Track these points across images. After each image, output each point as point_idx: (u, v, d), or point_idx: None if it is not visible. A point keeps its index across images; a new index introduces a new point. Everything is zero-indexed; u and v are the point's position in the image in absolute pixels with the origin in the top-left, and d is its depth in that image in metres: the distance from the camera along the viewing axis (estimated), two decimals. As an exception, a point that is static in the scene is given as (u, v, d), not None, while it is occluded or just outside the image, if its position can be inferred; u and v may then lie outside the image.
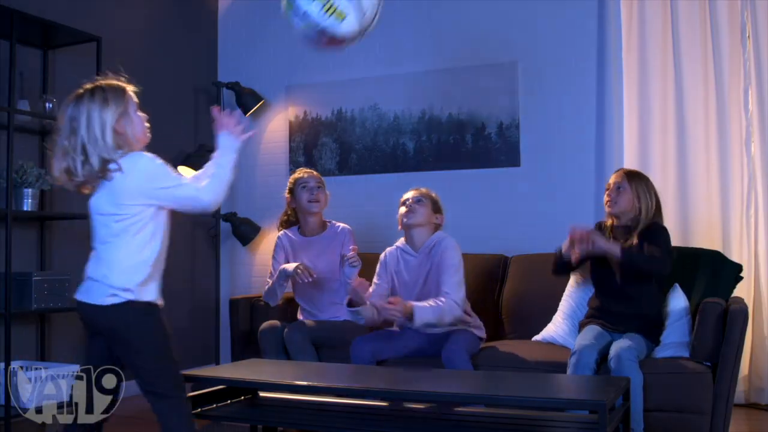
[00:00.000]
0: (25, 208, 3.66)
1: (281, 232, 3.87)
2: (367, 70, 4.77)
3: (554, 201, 4.28)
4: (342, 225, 3.83)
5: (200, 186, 2.30)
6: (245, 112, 4.96)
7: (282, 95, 5.02)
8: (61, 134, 2.26)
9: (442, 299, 3.18)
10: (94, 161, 2.21)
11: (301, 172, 3.84)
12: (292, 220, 3.90)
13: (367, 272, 3.87)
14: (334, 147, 4.84)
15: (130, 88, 2.33)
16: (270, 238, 4.78)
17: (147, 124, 2.36)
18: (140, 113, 2.34)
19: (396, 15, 4.73)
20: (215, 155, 2.38)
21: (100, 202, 2.28)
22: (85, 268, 2.32)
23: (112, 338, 2.27)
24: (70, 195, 4.06)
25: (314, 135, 4.89)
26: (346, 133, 4.81)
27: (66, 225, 4.07)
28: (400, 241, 3.49)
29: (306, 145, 4.92)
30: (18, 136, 3.72)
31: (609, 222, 3.41)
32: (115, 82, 2.32)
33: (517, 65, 4.39)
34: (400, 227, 3.44)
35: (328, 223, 3.85)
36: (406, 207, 3.39)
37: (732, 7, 3.99)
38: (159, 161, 2.28)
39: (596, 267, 3.36)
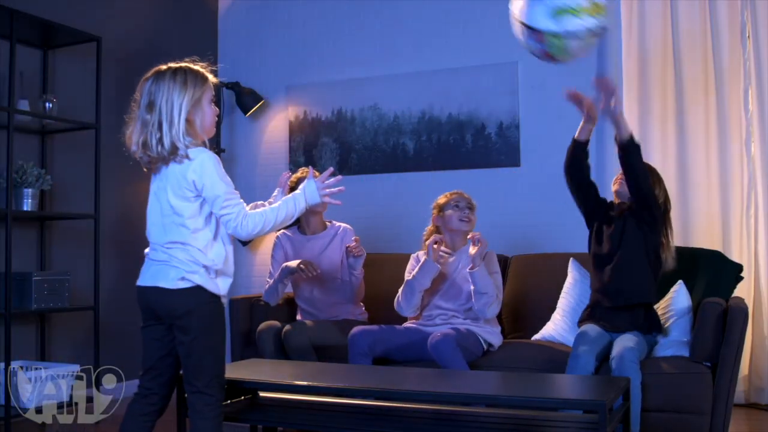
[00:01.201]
0: (25, 208, 3.66)
1: (280, 232, 3.87)
2: (367, 70, 4.77)
3: (554, 201, 4.27)
4: (343, 225, 3.83)
5: (247, 212, 2.32)
6: (245, 112, 4.96)
7: (282, 95, 5.02)
8: (139, 106, 2.30)
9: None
10: (166, 142, 2.24)
11: (303, 172, 3.84)
12: None
13: (368, 272, 3.90)
14: (334, 147, 4.84)
15: (212, 78, 2.36)
16: (270, 238, 4.78)
17: (216, 118, 2.39)
18: (213, 106, 2.37)
19: (396, 15, 4.73)
20: (291, 195, 2.44)
21: (160, 190, 2.31)
22: (147, 253, 2.36)
23: (175, 322, 2.30)
24: (70, 195, 4.09)
25: (314, 135, 4.89)
26: (346, 133, 4.81)
27: (66, 225, 4.08)
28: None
29: (306, 145, 4.92)
30: (18, 136, 3.72)
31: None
32: (198, 68, 2.34)
33: (517, 65, 4.40)
34: (437, 227, 3.54)
35: (329, 223, 3.85)
36: (460, 212, 3.51)
37: (732, 7, 3.99)
38: (220, 165, 2.31)
39: (597, 246, 3.35)
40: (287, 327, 3.49)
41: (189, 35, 4.97)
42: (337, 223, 3.85)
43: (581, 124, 3.31)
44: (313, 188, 2.43)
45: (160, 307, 2.32)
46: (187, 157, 2.26)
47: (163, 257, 2.30)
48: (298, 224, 3.86)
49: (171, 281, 2.28)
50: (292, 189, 3.79)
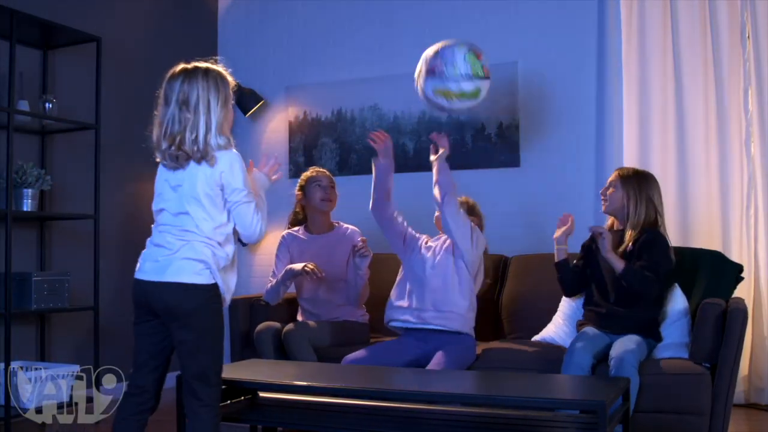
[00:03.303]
0: (24, 208, 3.66)
1: (285, 232, 3.87)
2: (367, 70, 4.77)
3: (554, 201, 4.28)
4: (350, 227, 3.84)
5: (261, 216, 2.38)
6: (245, 113, 4.96)
7: (282, 95, 5.02)
8: (167, 103, 2.31)
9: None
10: (202, 141, 2.27)
11: (314, 171, 3.85)
12: (300, 218, 3.91)
13: (371, 271, 3.91)
14: (334, 147, 4.85)
15: (231, 80, 2.39)
16: (270, 238, 4.78)
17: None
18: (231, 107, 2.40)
19: (396, 15, 4.73)
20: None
21: (186, 188, 2.31)
22: (154, 247, 2.35)
23: (177, 320, 2.29)
24: (70, 195, 4.09)
25: (314, 135, 4.89)
26: (346, 134, 4.81)
27: (66, 225, 4.08)
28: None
29: (306, 145, 4.92)
30: (18, 136, 3.72)
31: (609, 224, 3.41)
32: (221, 69, 2.37)
33: (517, 65, 4.39)
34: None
35: (336, 224, 3.85)
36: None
37: (732, 7, 3.99)
38: (244, 167, 2.35)
39: (589, 276, 3.36)
40: (288, 327, 3.49)
41: (189, 35, 4.97)
42: (345, 225, 3.84)
43: (556, 246, 3.42)
44: (260, 177, 2.51)
45: (163, 303, 2.29)
46: (217, 156, 2.30)
47: (176, 246, 2.29)
48: (305, 223, 3.86)
49: (183, 274, 2.27)
50: (302, 188, 3.80)
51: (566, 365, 2.97)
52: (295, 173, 4.89)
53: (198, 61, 2.38)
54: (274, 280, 3.70)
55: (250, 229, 2.36)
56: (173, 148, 2.28)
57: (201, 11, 5.13)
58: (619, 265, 3.12)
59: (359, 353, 3.29)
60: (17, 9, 3.56)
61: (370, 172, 4.78)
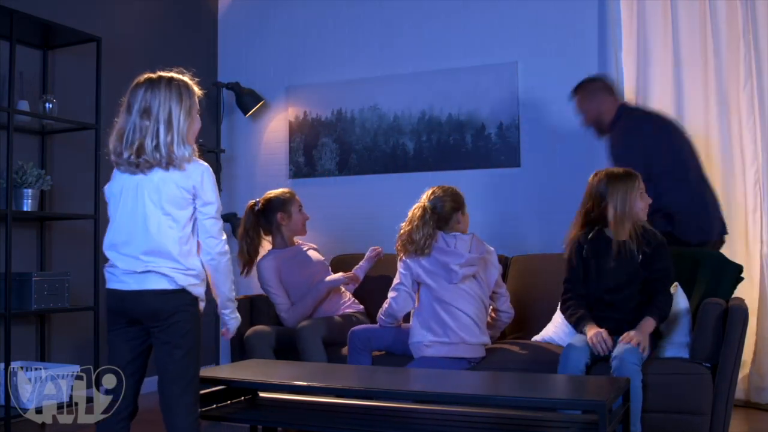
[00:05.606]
0: (25, 209, 3.66)
1: (263, 258, 3.84)
2: (367, 70, 4.77)
3: (554, 201, 4.28)
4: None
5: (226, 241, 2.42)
6: (245, 113, 4.96)
7: (282, 95, 5.02)
8: (130, 111, 2.30)
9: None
10: (163, 150, 2.27)
11: (293, 194, 3.92)
12: (254, 249, 3.88)
13: (368, 273, 3.91)
14: (334, 147, 4.84)
15: (197, 90, 2.40)
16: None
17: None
18: (198, 117, 2.40)
19: (396, 15, 4.73)
20: None
21: (144, 196, 2.30)
22: (114, 264, 2.34)
23: (158, 324, 2.29)
24: (70, 195, 4.09)
25: (314, 135, 4.89)
26: (346, 134, 4.81)
27: (66, 225, 4.08)
28: None
29: (306, 145, 4.91)
30: (18, 137, 3.72)
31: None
32: (187, 79, 2.38)
33: (517, 65, 4.40)
34: None
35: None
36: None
37: (732, 7, 3.99)
38: (215, 181, 2.37)
39: (584, 278, 3.33)
40: (302, 324, 3.55)
41: (189, 35, 4.97)
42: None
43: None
44: None
45: (145, 308, 2.30)
46: (187, 166, 2.30)
47: (147, 268, 2.29)
48: (275, 245, 3.93)
49: (161, 283, 2.29)
50: (287, 210, 3.85)
51: (562, 366, 2.97)
52: (295, 173, 4.89)
53: (168, 70, 2.38)
54: (303, 303, 3.73)
55: (215, 241, 2.36)
56: (132, 156, 2.28)
57: (201, 11, 5.13)
58: (650, 328, 3.04)
59: (366, 326, 3.50)
60: (17, 9, 3.56)
61: (370, 172, 4.82)
